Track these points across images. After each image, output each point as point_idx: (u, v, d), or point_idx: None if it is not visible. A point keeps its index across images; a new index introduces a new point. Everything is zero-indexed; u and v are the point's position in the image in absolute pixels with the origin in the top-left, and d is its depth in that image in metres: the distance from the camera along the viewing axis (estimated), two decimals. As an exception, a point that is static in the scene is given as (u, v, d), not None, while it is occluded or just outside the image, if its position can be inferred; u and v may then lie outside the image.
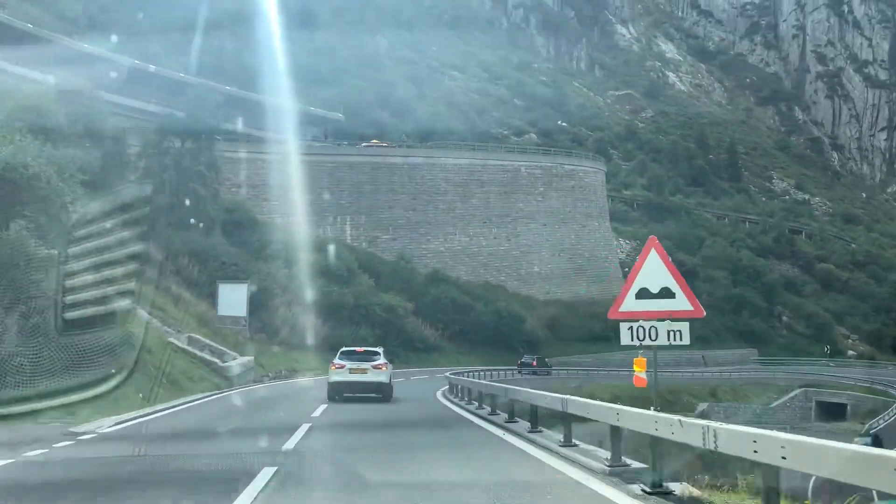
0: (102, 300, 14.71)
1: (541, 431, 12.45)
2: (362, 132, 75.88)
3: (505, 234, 65.30)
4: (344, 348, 21.47)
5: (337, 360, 20.07)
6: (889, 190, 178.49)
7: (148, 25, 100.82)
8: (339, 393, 19.50)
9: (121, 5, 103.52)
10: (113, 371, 13.06)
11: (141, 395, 17.23)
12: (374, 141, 67.37)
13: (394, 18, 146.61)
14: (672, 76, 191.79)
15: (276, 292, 35.43)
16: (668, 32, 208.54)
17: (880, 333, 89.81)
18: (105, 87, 57.16)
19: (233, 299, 27.14)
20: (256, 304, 32.41)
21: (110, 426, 11.98)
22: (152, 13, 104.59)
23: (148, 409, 14.37)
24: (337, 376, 19.56)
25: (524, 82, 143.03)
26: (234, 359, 23.42)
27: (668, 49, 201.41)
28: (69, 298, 13.41)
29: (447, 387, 24.66)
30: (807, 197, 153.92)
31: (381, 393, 19.75)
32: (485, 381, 21.87)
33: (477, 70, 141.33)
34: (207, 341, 23.50)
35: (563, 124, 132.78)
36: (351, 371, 19.56)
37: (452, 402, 20.54)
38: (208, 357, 21.95)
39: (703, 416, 48.79)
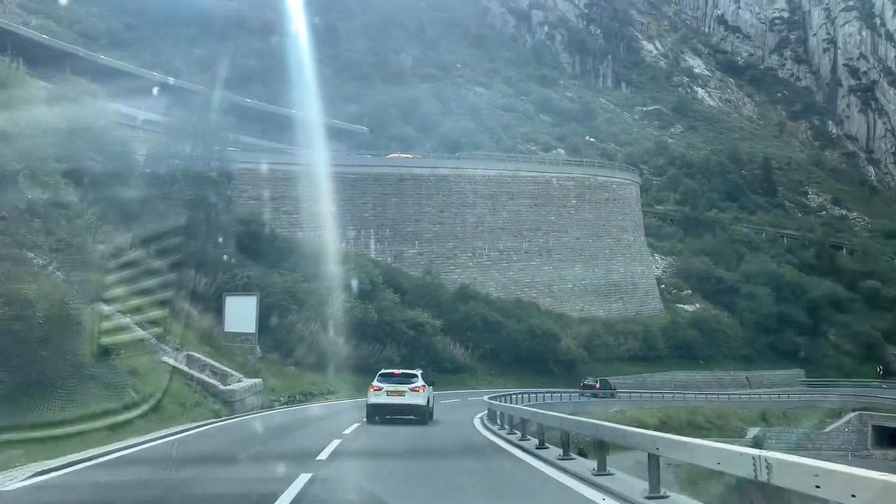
0: (65, 308, 11.75)
1: (666, 497, 8.43)
2: (387, 146, 73.64)
3: (536, 248, 62.06)
4: (383, 370, 21.75)
5: (375, 383, 20.46)
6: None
7: (170, 43, 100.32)
8: (378, 415, 19.91)
9: (144, 24, 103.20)
10: (67, 398, 10.04)
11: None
12: (400, 153, 64.75)
13: (418, 36, 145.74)
14: (701, 91, 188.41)
15: (293, 308, 32.55)
16: (696, 48, 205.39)
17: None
18: (118, 99, 55.46)
19: (241, 313, 24.10)
20: (270, 320, 29.53)
21: (22, 480, 8.53)
22: (175, 31, 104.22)
23: (105, 448, 11.14)
24: (375, 398, 19.98)
25: (550, 98, 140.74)
26: (239, 381, 20.39)
27: (696, 64, 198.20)
28: (13, 306, 10.44)
29: (485, 412, 21.50)
30: (844, 212, 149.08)
31: (419, 415, 19.87)
32: (553, 413, 17.62)
33: (502, 86, 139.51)
34: (209, 360, 20.56)
35: (591, 139, 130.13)
36: (389, 393, 19.90)
37: (497, 433, 17.18)
38: (208, 379, 18.98)
39: (756, 442, 44.89)
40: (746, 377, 68.56)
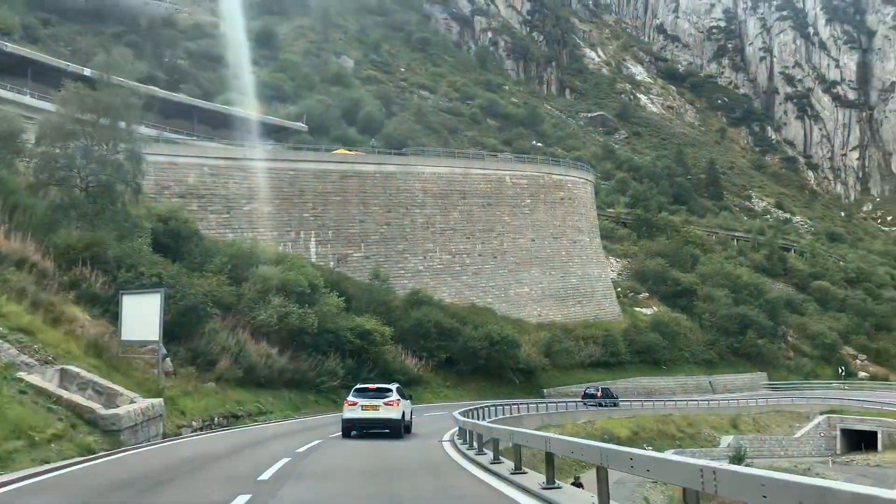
0: None
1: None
2: (328, 147, 68.96)
3: (490, 250, 58.05)
4: (358, 386, 22.02)
5: (350, 398, 20.71)
6: (864, 209, 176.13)
7: (93, 41, 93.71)
8: (354, 429, 20.19)
9: (64, 21, 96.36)
10: None
11: None
12: (342, 150, 59.97)
13: (359, 39, 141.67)
14: (643, 98, 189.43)
15: (217, 314, 27.55)
16: (637, 56, 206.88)
17: (888, 353, 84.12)
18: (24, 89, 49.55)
19: (141, 317, 18.95)
20: (187, 327, 24.53)
21: None
22: (98, 28, 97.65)
23: None
24: (350, 413, 20.20)
25: (496, 102, 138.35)
26: (132, 402, 15.42)
27: (638, 72, 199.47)
28: None
29: (456, 430, 17.24)
30: (788, 216, 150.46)
31: (393, 428, 20.12)
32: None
33: (447, 90, 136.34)
34: (92, 376, 15.59)
35: (539, 144, 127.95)
36: (363, 408, 20.12)
37: (489, 470, 12.71)
38: (83, 402, 13.94)
39: (738, 453, 41.58)
40: (709, 382, 65.87)
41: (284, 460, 12.52)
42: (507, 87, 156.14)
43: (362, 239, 52.18)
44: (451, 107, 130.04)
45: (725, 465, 5.93)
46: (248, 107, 76.81)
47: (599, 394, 44.98)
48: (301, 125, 69.95)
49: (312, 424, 24.49)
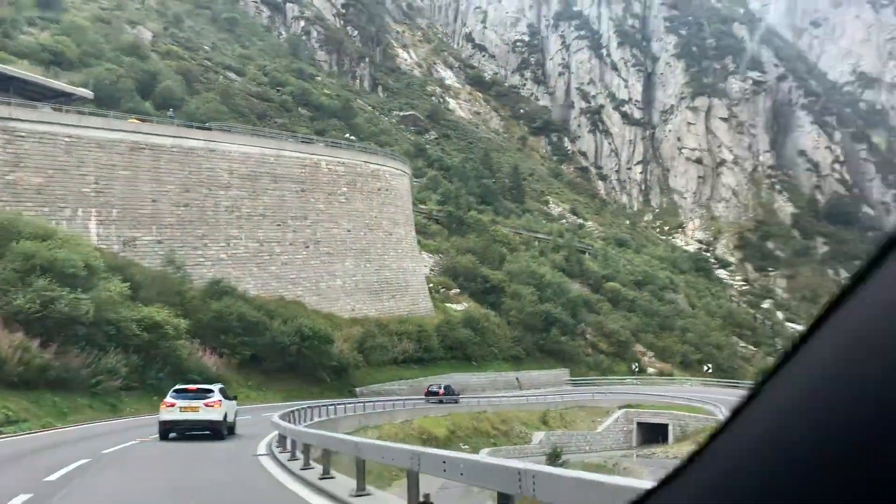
0: None
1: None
2: (118, 116, 61.06)
3: (302, 240, 53.98)
4: (177, 386, 21.15)
5: (168, 399, 20.06)
6: (646, 218, 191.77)
7: None
8: (172, 431, 19.70)
9: None
10: None
11: None
12: (134, 119, 52.92)
13: (159, 12, 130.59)
14: (452, 102, 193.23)
15: (-46, 295, 21.52)
16: (448, 61, 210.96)
17: (671, 350, 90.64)
18: None
19: None
20: None
21: None
22: None
23: None
24: (167, 415, 19.65)
25: (309, 92, 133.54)
26: None
27: (448, 76, 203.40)
28: None
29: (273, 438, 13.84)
30: (581, 221, 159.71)
31: (215, 430, 19.67)
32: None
33: (256, 74, 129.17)
34: None
35: (352, 137, 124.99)
36: (182, 409, 19.59)
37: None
38: None
39: (553, 450, 41.13)
40: (517, 378, 66.43)
41: (23, 498, 8.34)
42: (319, 79, 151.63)
43: (154, 221, 46.02)
44: (260, 91, 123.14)
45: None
46: (19, 67, 66.44)
47: (442, 391, 45.13)
48: (86, 92, 61.32)
49: (83, 434, 19.72)
